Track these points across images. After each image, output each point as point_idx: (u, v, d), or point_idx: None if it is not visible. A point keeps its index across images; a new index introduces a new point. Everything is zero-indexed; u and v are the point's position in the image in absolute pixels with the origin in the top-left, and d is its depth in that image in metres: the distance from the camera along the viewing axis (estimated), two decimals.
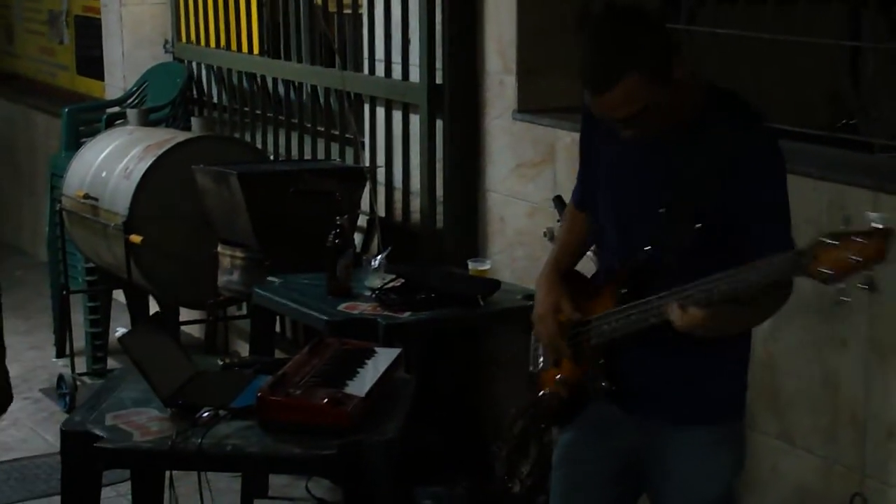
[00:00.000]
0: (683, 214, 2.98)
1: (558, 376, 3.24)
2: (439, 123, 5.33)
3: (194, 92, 7.34)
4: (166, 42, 7.57)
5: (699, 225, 2.94)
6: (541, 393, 3.28)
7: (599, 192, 3.24)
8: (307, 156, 6.34)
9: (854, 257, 2.58)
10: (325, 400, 3.46)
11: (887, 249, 2.59)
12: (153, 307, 6.65)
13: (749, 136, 2.99)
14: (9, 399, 3.95)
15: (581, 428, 3.29)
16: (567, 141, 4.83)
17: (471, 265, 4.98)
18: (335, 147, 6.15)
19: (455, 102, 5.27)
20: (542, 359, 3.31)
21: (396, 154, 5.62)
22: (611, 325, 3.10)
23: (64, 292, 6.71)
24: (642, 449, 3.21)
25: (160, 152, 5.96)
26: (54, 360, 7.16)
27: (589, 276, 3.31)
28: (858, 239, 2.59)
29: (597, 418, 3.24)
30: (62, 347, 7.08)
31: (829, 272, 2.60)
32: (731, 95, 3.11)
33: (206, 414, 3.53)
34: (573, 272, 3.36)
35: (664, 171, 3.05)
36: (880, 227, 2.59)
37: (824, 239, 2.62)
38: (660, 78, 2.92)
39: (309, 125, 6.36)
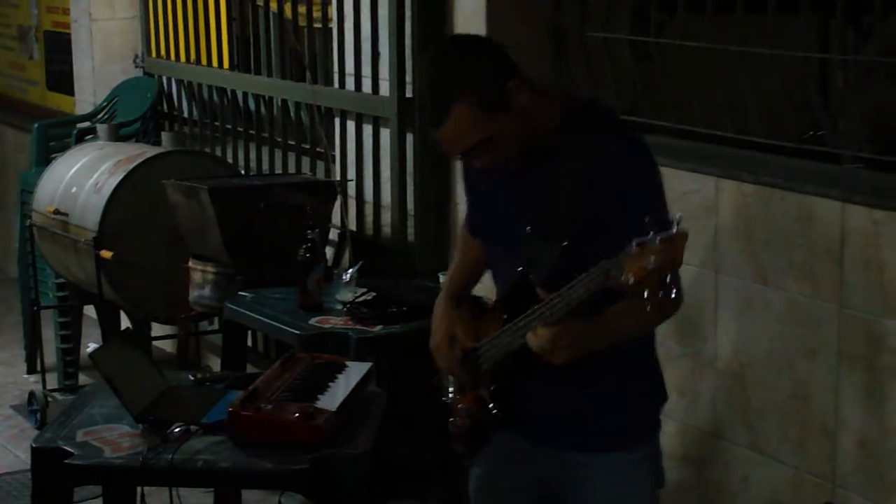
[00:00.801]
0: (549, 233, 2.96)
1: (460, 405, 3.24)
2: (409, 137, 5.33)
3: (165, 106, 7.34)
4: (136, 57, 7.57)
5: (565, 243, 2.92)
6: (449, 422, 3.28)
7: (483, 216, 3.25)
8: (278, 170, 6.34)
9: (651, 263, 2.57)
10: (297, 414, 3.46)
11: (680, 254, 2.58)
12: (124, 322, 6.64)
13: (606, 139, 2.96)
14: None
15: (493, 461, 3.28)
16: None
17: (442, 278, 4.97)
18: (306, 161, 6.15)
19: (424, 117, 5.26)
20: (450, 388, 3.31)
21: (367, 168, 5.63)
22: (493, 350, 3.09)
23: (34, 308, 6.69)
24: (557, 479, 3.19)
25: (131, 167, 5.95)
26: (25, 376, 7.14)
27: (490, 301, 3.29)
28: (655, 245, 2.57)
29: (507, 451, 3.23)
30: (33, 363, 7.06)
31: (631, 280, 2.59)
32: (587, 104, 3.08)
33: (177, 429, 3.52)
34: (472, 298, 3.36)
35: (529, 192, 3.04)
36: (674, 232, 2.58)
37: (629, 247, 2.60)
38: (492, 106, 2.89)
39: (280, 139, 6.36)
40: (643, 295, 2.61)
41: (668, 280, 2.59)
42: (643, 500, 3.20)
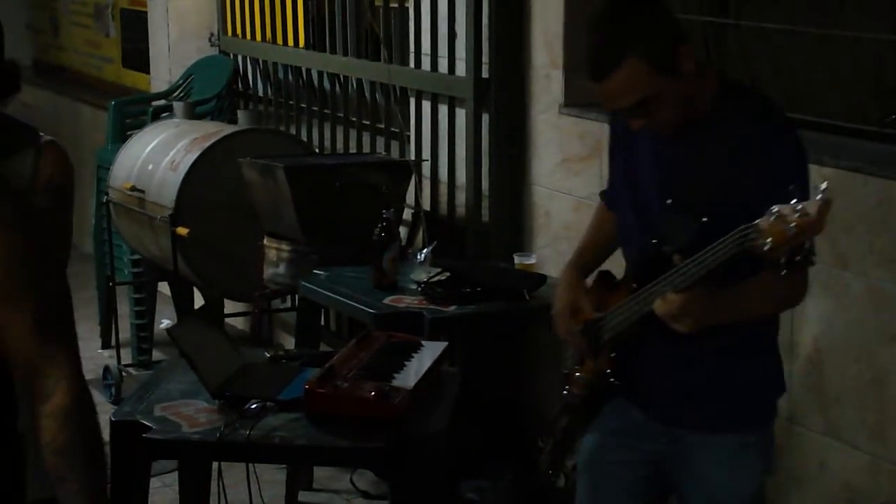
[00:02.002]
0: (690, 207, 2.95)
1: (577, 374, 3.23)
2: (485, 117, 5.33)
3: (240, 85, 7.37)
4: (212, 35, 7.61)
5: (705, 219, 2.90)
6: (564, 392, 3.28)
7: (622, 188, 3.24)
8: (353, 149, 6.35)
9: (791, 227, 2.54)
10: (373, 393, 3.47)
11: (823, 220, 2.55)
12: (199, 299, 6.68)
13: (764, 127, 2.95)
14: None
15: (605, 432, 3.28)
16: None
17: (517, 259, 4.98)
18: (381, 141, 6.16)
19: (501, 96, 5.27)
20: (570, 360, 3.31)
21: (442, 148, 5.63)
22: (617, 319, 3.09)
23: (110, 284, 6.75)
24: (667, 455, 3.19)
25: (206, 145, 5.98)
26: (100, 351, 7.20)
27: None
28: (798, 210, 2.54)
29: (621, 423, 3.23)
30: (108, 339, 7.13)
31: (768, 243, 2.56)
32: (744, 87, 3.08)
33: (254, 406, 3.54)
34: (603, 271, 3.35)
35: (675, 163, 3.03)
36: (819, 198, 2.56)
37: (770, 212, 2.58)
38: (663, 66, 2.88)
39: (354, 119, 6.37)
40: (780, 261, 2.58)
41: (806, 246, 2.56)
42: (750, 485, 3.17)
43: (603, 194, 3.43)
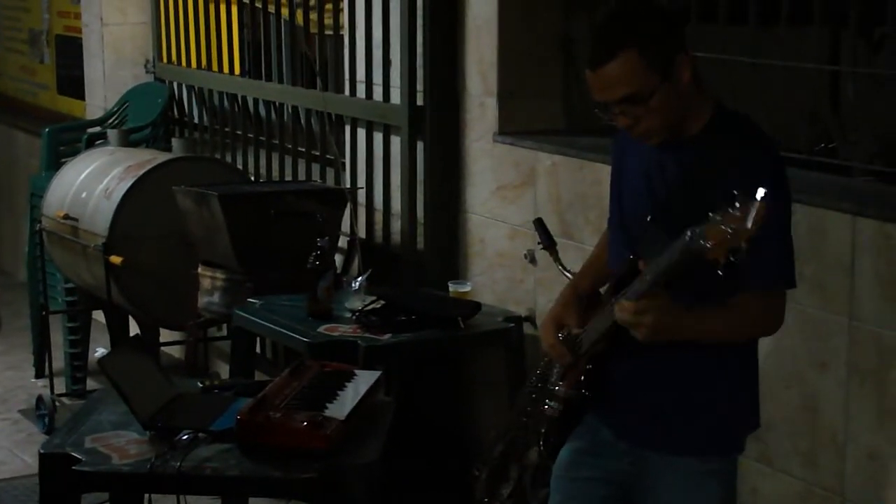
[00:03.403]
0: (669, 224, 2.94)
1: (556, 388, 3.24)
2: (420, 145, 5.33)
3: (175, 112, 7.34)
4: (147, 62, 7.58)
5: (689, 234, 2.91)
6: (545, 406, 3.28)
7: (614, 210, 3.27)
8: (288, 177, 6.34)
9: (729, 228, 2.57)
10: (305, 423, 3.46)
11: (755, 222, 2.57)
12: (133, 328, 6.64)
13: (752, 156, 2.98)
14: None
15: (575, 449, 3.28)
16: (548, 164, 4.84)
17: (451, 287, 4.98)
18: (316, 168, 6.15)
19: (436, 124, 5.27)
20: (555, 373, 3.32)
21: (377, 175, 5.63)
22: (591, 332, 3.10)
23: (43, 312, 6.70)
24: (631, 475, 3.20)
25: (141, 173, 5.96)
26: (33, 380, 7.14)
27: None
28: (735, 212, 2.57)
29: (590, 441, 3.24)
30: (41, 368, 7.07)
31: (710, 246, 2.60)
32: (743, 117, 3.11)
33: (185, 437, 3.52)
34: (596, 292, 3.36)
35: (659, 180, 3.06)
36: (757, 198, 2.58)
37: (712, 216, 2.61)
38: (657, 65, 2.93)
39: (290, 146, 6.36)
40: (720, 263, 2.61)
41: (743, 248, 2.58)
42: None
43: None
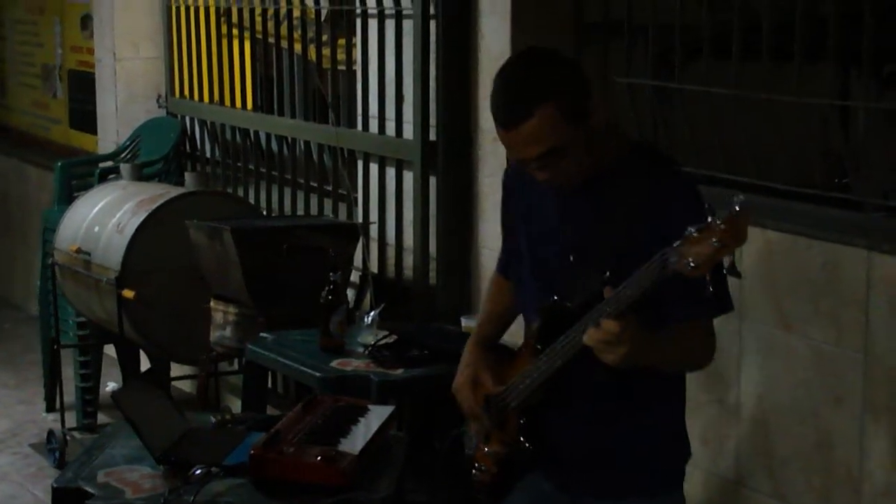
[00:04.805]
0: (592, 263, 2.94)
1: (486, 449, 3.21)
2: (433, 180, 5.34)
3: (187, 147, 7.36)
4: (159, 97, 7.60)
5: (608, 274, 2.87)
6: (472, 471, 3.25)
7: (520, 253, 3.21)
8: (300, 211, 6.35)
9: (714, 242, 2.54)
10: (319, 457, 3.44)
11: (744, 230, 2.55)
12: (144, 362, 6.64)
13: (665, 184, 2.96)
14: None
15: (516, 502, 3.24)
16: None
17: (464, 322, 4.97)
18: (328, 203, 6.16)
19: (448, 159, 5.28)
20: (474, 437, 3.28)
21: (389, 210, 5.63)
22: (525, 382, 3.05)
23: (55, 346, 6.70)
24: None
25: (153, 207, 5.97)
26: (44, 414, 7.14)
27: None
28: (718, 224, 2.54)
29: (532, 494, 3.20)
30: (52, 402, 7.06)
31: (693, 263, 2.56)
32: (649, 148, 3.12)
33: (198, 471, 3.50)
34: (499, 345, 3.34)
35: (576, 220, 3.03)
36: (737, 209, 2.55)
37: (689, 232, 2.58)
38: (574, 116, 2.88)
39: (302, 181, 6.37)
40: (706, 279, 2.58)
41: (730, 260, 2.56)
42: None
43: (498, 265, 3.41)
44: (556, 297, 3.01)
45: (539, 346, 3.03)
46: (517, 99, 2.89)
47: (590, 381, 2.95)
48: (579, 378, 2.96)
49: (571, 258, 3.01)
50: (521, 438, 3.09)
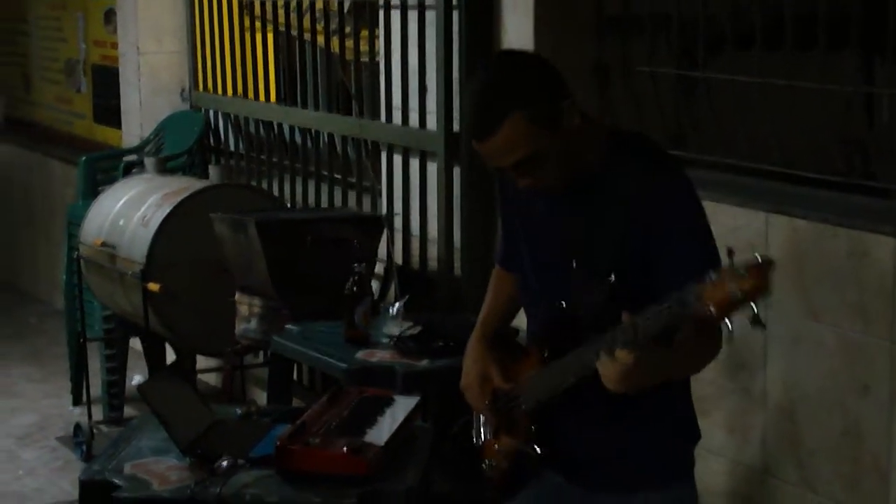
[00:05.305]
0: (595, 268, 2.91)
1: (496, 446, 3.19)
2: (456, 171, 5.33)
3: (211, 140, 7.37)
4: (183, 90, 7.61)
5: (612, 278, 2.86)
6: (483, 465, 3.24)
7: (520, 249, 3.18)
8: (324, 204, 6.35)
9: (735, 291, 2.48)
10: (345, 449, 3.45)
11: (769, 281, 2.49)
12: (170, 355, 6.65)
13: (656, 181, 2.90)
14: None
15: (527, 498, 3.21)
16: None
17: None
18: (352, 195, 6.16)
19: (472, 150, 5.24)
20: (483, 430, 3.26)
21: (413, 201, 5.63)
22: (535, 389, 3.03)
23: (80, 340, 6.71)
24: None
25: (178, 200, 5.98)
26: (71, 408, 7.16)
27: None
28: (740, 272, 2.48)
29: (542, 488, 3.17)
30: (78, 395, 7.08)
31: (713, 310, 2.49)
32: (634, 137, 3.04)
33: (224, 463, 3.52)
34: (506, 336, 3.31)
35: (574, 224, 2.98)
36: (760, 259, 2.49)
37: (709, 277, 2.51)
38: (546, 122, 2.83)
39: (326, 173, 6.37)
40: (725, 324, 2.53)
41: (755, 310, 2.50)
42: None
43: (497, 258, 3.38)
44: (563, 303, 2.98)
45: (545, 354, 3.00)
46: (485, 110, 2.84)
47: (599, 385, 2.91)
48: (589, 383, 2.92)
49: (574, 263, 2.97)
50: (533, 443, 3.07)
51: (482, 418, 3.26)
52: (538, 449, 3.07)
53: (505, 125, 2.81)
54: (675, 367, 2.87)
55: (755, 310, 2.48)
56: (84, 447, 6.40)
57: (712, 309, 2.50)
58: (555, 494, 3.16)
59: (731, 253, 2.53)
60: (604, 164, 2.94)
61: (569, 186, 2.96)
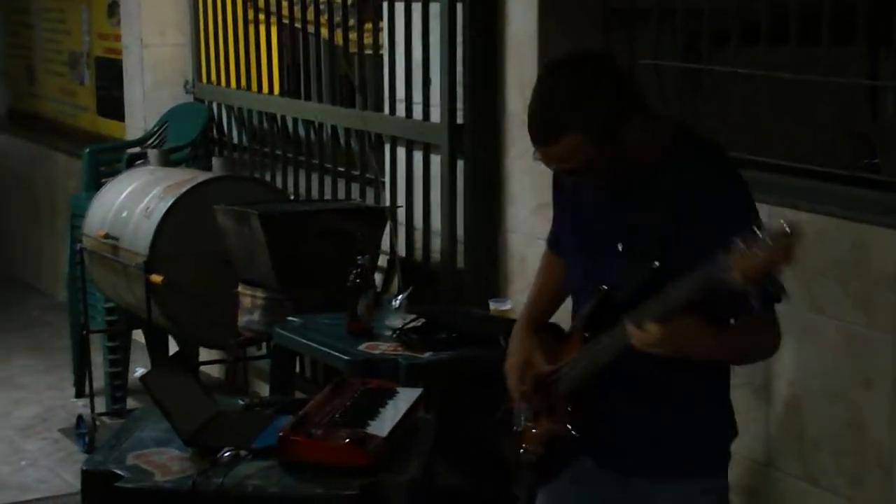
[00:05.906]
0: (641, 252, 2.94)
1: (534, 430, 3.20)
2: (460, 163, 5.33)
3: (215, 132, 7.37)
4: (187, 82, 7.61)
5: (657, 263, 2.89)
6: (520, 451, 3.25)
7: (569, 235, 3.21)
8: (328, 196, 6.35)
9: (764, 260, 2.55)
10: (347, 440, 3.44)
11: (793, 252, 2.55)
12: (173, 347, 6.65)
13: (710, 172, 2.95)
14: None
15: (560, 480, 3.23)
16: None
17: (492, 305, 4.97)
18: (356, 187, 6.16)
19: (476, 142, 5.27)
20: (523, 416, 3.27)
21: (417, 194, 5.63)
22: (573, 370, 3.05)
23: (83, 332, 6.72)
24: (621, 501, 3.15)
25: (181, 192, 5.98)
26: (73, 399, 7.17)
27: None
28: (768, 242, 2.54)
29: (575, 471, 3.19)
30: (81, 387, 7.09)
31: (741, 278, 2.57)
32: (697, 136, 3.07)
33: (227, 454, 3.51)
34: (550, 324, 3.32)
35: (625, 209, 3.01)
36: (788, 230, 2.55)
37: (737, 244, 2.58)
38: (605, 139, 2.87)
39: (329, 165, 6.37)
40: (751, 294, 2.59)
41: (777, 279, 2.57)
42: None
43: (548, 241, 3.40)
44: (605, 287, 3.00)
45: (586, 335, 3.03)
46: (546, 121, 2.91)
47: (636, 369, 2.94)
48: (626, 366, 2.94)
49: (620, 247, 3.00)
50: (569, 426, 3.09)
51: (522, 404, 3.26)
52: (573, 430, 3.08)
53: (564, 139, 2.87)
54: (721, 346, 2.89)
55: (780, 280, 2.56)
56: (86, 439, 6.40)
57: (741, 277, 2.55)
58: (588, 480, 3.17)
59: (759, 224, 2.60)
60: (661, 160, 2.97)
61: (622, 178, 3.00)
